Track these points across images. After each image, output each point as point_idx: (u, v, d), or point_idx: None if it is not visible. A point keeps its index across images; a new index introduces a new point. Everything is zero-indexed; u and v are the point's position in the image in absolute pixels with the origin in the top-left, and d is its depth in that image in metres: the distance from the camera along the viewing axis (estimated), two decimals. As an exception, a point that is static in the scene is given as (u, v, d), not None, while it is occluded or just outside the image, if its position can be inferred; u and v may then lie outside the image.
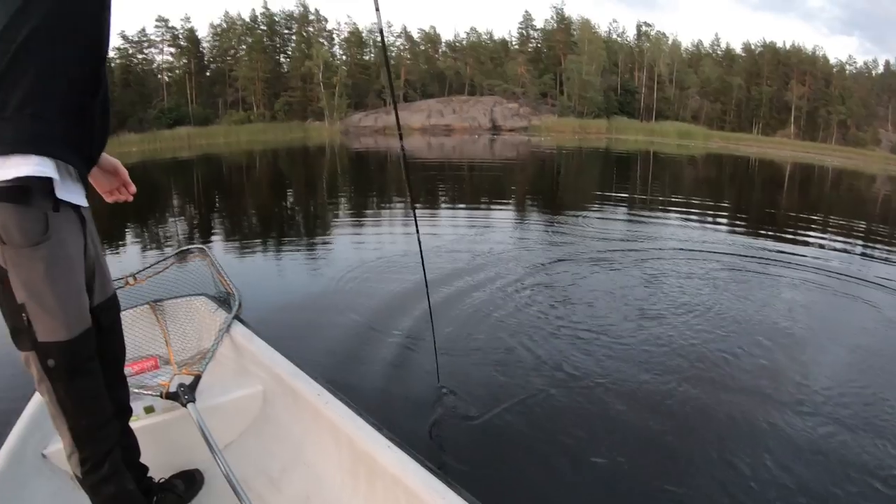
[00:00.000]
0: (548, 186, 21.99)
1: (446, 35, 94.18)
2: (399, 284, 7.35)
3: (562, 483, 3.79)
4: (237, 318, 3.74)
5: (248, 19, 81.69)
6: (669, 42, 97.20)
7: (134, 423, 2.53)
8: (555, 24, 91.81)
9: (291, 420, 3.13)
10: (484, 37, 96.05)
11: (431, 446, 4.03)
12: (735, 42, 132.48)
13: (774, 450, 4.18)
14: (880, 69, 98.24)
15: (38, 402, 2.81)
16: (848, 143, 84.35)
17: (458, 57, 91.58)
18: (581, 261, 9.30)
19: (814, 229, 14.60)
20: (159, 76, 78.15)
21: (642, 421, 4.47)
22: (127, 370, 2.49)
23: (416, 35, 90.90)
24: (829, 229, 14.93)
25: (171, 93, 76.48)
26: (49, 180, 1.74)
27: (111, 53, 50.36)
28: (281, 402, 3.22)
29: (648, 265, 9.19)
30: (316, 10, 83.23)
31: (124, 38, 70.47)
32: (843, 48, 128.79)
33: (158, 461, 2.75)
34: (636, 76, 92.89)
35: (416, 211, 5.02)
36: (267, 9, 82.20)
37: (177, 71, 79.62)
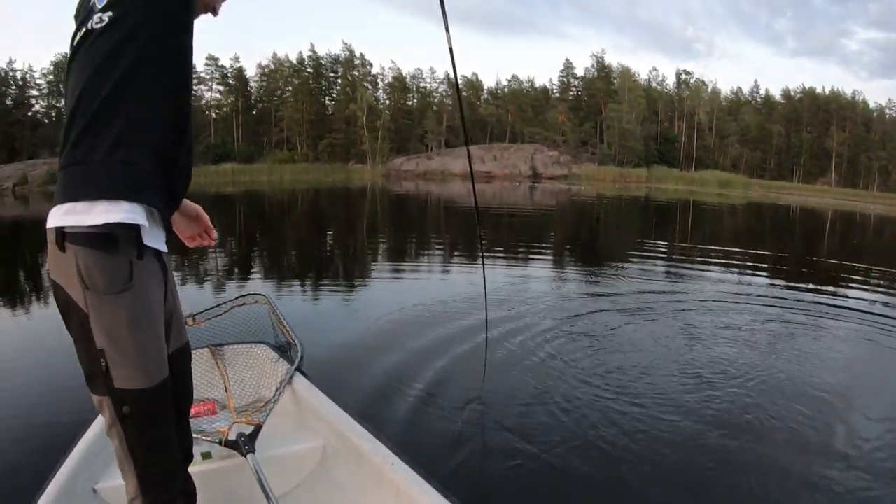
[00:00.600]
0: (587, 235, 22.04)
1: (488, 82, 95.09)
2: (456, 335, 7.10)
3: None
4: (299, 369, 3.73)
5: (295, 61, 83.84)
6: (709, 90, 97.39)
7: (191, 469, 2.46)
8: (595, 73, 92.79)
9: (351, 478, 3.05)
10: (525, 84, 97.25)
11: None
12: (774, 89, 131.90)
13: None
14: None
15: (90, 437, 2.85)
16: (890, 189, 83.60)
17: (499, 104, 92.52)
18: (618, 311, 9.26)
19: (857, 279, 14.42)
20: (207, 112, 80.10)
21: (682, 476, 4.51)
22: None
23: (459, 82, 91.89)
24: (873, 278, 14.77)
25: (218, 129, 78.36)
26: (137, 227, 1.75)
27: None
28: (341, 458, 3.15)
29: (688, 315, 9.14)
30: (361, 54, 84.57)
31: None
32: (883, 92, 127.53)
33: None
34: (676, 124, 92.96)
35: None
36: (314, 52, 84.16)
37: (224, 108, 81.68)
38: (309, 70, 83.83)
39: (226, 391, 3.62)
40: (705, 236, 24.42)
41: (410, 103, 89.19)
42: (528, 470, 4.22)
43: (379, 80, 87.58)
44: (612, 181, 70.58)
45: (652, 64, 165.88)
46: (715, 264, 15.15)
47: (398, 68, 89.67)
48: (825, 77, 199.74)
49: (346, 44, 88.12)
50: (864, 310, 10.33)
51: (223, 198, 33.21)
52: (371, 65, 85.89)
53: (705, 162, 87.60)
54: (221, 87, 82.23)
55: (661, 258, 15.88)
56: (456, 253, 14.74)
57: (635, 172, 76.31)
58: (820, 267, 16.83)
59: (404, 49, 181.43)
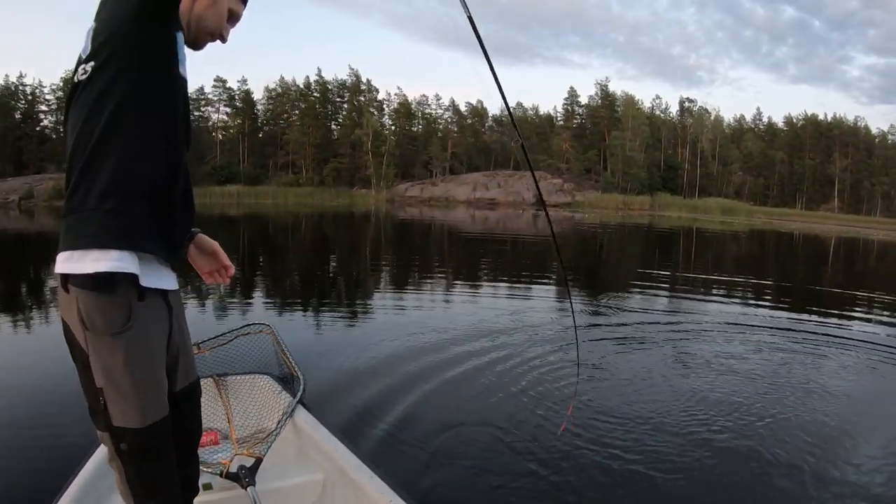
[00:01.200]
0: (589, 263, 22.11)
1: (493, 109, 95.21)
2: (462, 366, 7.12)
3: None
4: (301, 402, 3.75)
5: (302, 85, 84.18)
6: (712, 117, 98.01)
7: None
8: (599, 101, 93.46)
9: None
10: (530, 112, 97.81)
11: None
12: (776, 115, 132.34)
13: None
14: None
15: (97, 460, 2.88)
16: (893, 215, 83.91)
17: (503, 131, 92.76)
18: (613, 339, 9.39)
19: (860, 305, 14.52)
20: (214, 134, 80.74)
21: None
22: None
23: (463, 108, 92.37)
24: (877, 306, 14.85)
25: (224, 151, 78.81)
26: (130, 273, 1.78)
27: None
28: (341, 493, 3.13)
29: (688, 344, 9.19)
30: (368, 80, 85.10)
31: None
32: (883, 117, 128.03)
33: None
34: (679, 152, 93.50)
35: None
36: (321, 76, 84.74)
37: (231, 130, 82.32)
38: (316, 94, 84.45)
39: (228, 422, 3.64)
40: (708, 264, 24.46)
41: (415, 129, 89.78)
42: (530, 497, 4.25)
43: (385, 106, 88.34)
44: (615, 209, 70.82)
45: (655, 91, 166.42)
46: (718, 293, 15.23)
47: (404, 94, 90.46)
48: (826, 103, 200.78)
49: (352, 69, 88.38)
50: (869, 339, 10.42)
51: (228, 220, 33.39)
52: (377, 90, 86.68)
53: (708, 189, 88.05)
54: (228, 109, 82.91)
55: (663, 287, 15.92)
56: (459, 280, 14.80)
57: (638, 200, 76.68)
58: (823, 295, 16.88)
59: (411, 75, 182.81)
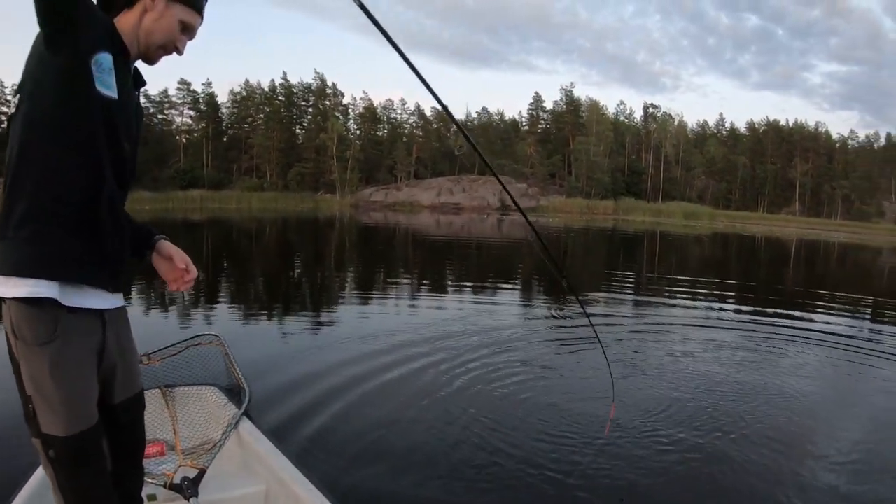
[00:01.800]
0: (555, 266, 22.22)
1: (458, 114, 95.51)
2: (410, 373, 7.08)
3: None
4: (246, 413, 3.77)
5: (267, 89, 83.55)
6: (675, 123, 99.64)
7: None
8: (564, 106, 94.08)
9: None
10: (495, 117, 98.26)
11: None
12: (739, 121, 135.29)
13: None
14: (882, 142, 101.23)
15: (37, 478, 2.85)
16: (852, 217, 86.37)
17: (469, 136, 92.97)
18: (576, 341, 9.52)
19: (821, 304, 14.84)
20: (177, 137, 79.84)
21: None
22: None
23: (428, 113, 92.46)
24: (837, 304, 15.16)
25: (188, 154, 78.01)
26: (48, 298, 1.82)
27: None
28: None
29: (651, 344, 9.40)
30: (333, 84, 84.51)
31: (147, 97, 71.95)
32: (844, 123, 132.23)
33: None
34: (643, 157, 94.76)
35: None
36: (286, 80, 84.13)
37: (195, 134, 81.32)
38: (281, 98, 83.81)
39: (174, 433, 3.62)
40: (672, 266, 24.82)
41: (381, 134, 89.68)
42: None
43: (350, 110, 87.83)
44: (579, 213, 71.40)
45: (620, 97, 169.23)
46: (681, 294, 15.44)
47: (369, 98, 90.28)
48: (788, 109, 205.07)
49: (318, 73, 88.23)
50: (830, 336, 10.73)
51: (191, 225, 32.98)
52: (342, 94, 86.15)
53: (672, 193, 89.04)
54: (192, 112, 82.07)
55: (628, 288, 16.14)
56: (421, 286, 14.83)
57: (603, 204, 77.35)
58: (785, 295, 17.23)
59: (377, 79, 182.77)
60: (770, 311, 13.43)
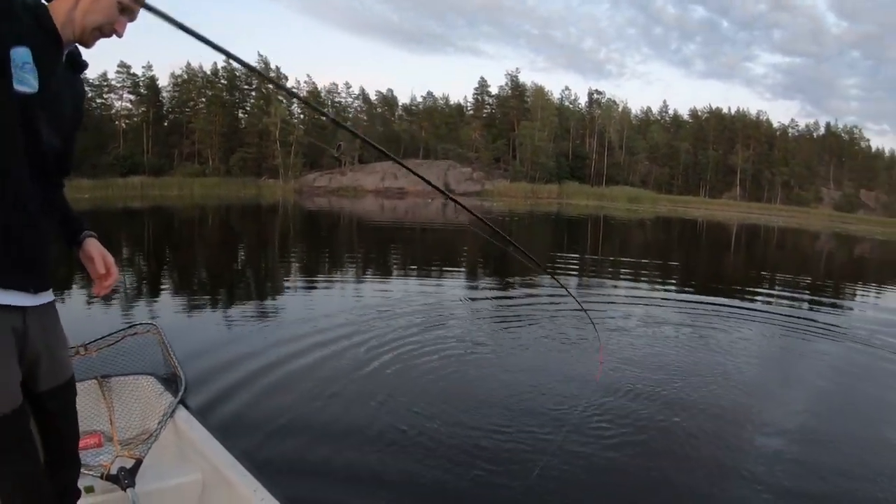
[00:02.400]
0: (498, 252, 22.51)
1: (403, 98, 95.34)
2: (343, 351, 7.30)
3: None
4: (182, 402, 3.74)
5: (209, 72, 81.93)
6: (620, 109, 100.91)
7: None
8: (509, 91, 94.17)
9: None
10: (440, 101, 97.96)
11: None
12: (682, 108, 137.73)
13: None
14: (821, 131, 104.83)
15: None
16: (791, 203, 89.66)
17: (413, 120, 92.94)
18: (517, 319, 9.77)
19: (762, 285, 15.41)
20: (117, 122, 77.70)
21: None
22: None
23: (373, 97, 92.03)
24: (777, 284, 15.76)
25: (127, 140, 75.97)
26: None
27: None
28: (218, 493, 3.14)
29: (601, 321, 9.70)
30: (277, 67, 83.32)
31: (85, 80, 70.09)
32: (785, 112, 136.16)
33: None
34: (587, 142, 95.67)
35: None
36: (229, 63, 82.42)
37: (135, 118, 79.14)
38: (223, 81, 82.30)
39: (111, 424, 3.59)
40: (616, 249, 25.31)
41: (324, 118, 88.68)
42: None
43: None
44: (524, 197, 71.97)
45: (565, 83, 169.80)
46: (624, 275, 15.84)
47: (313, 82, 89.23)
48: (731, 97, 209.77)
49: (261, 56, 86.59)
50: (770, 311, 11.30)
51: (130, 213, 32.41)
52: (286, 78, 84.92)
53: (615, 178, 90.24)
54: (132, 97, 79.99)
55: (572, 269, 16.44)
56: (362, 272, 14.92)
57: (547, 188, 78.12)
58: (726, 275, 17.80)
59: (321, 62, 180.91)
60: (712, 290, 13.99)
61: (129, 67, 78.70)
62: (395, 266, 16.15)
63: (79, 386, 3.35)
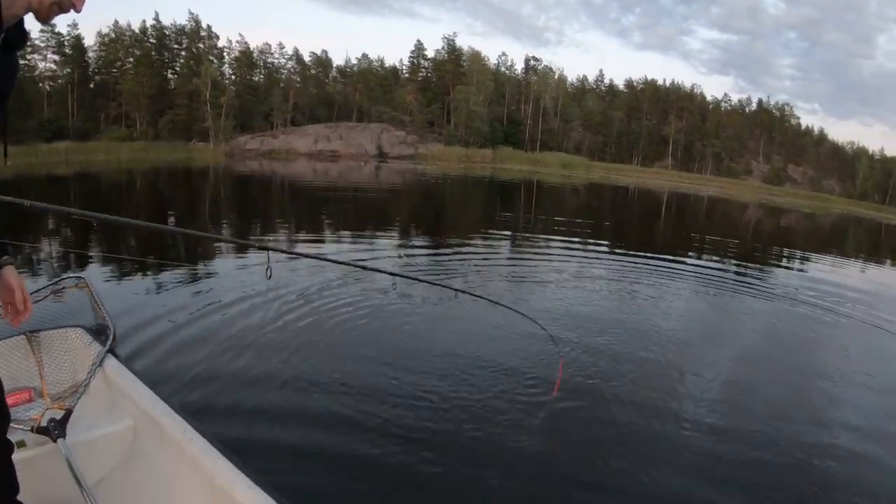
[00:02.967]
0: (432, 213, 22.79)
1: (338, 59, 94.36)
2: (260, 314, 7.83)
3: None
4: (111, 351, 3.69)
5: (137, 31, 79.45)
6: (556, 76, 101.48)
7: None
8: (445, 55, 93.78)
9: (159, 457, 3.07)
10: (375, 63, 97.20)
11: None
12: (618, 78, 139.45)
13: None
14: (753, 106, 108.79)
15: None
16: (722, 174, 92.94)
17: (347, 82, 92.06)
18: (453, 279, 10.15)
19: (691, 247, 16.15)
20: (40, 85, 74.95)
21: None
22: None
23: (307, 58, 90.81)
24: (706, 247, 16.48)
25: (52, 104, 73.42)
26: None
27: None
28: (150, 438, 3.17)
29: (534, 276, 10.11)
30: (208, 26, 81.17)
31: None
32: (719, 86, 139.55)
33: (30, 498, 2.73)
34: (522, 108, 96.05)
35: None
36: (158, 21, 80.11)
37: (59, 81, 76.38)
38: (152, 41, 79.80)
39: (41, 378, 3.58)
40: (549, 212, 25.85)
41: (257, 79, 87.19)
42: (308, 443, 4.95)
43: (225, 54, 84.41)
44: (457, 161, 72.28)
45: (503, 49, 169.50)
46: (558, 235, 16.30)
47: (245, 42, 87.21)
48: (667, 70, 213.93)
49: (192, 14, 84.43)
50: (699, 272, 12.03)
51: (56, 180, 31.47)
52: (217, 37, 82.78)
53: (549, 144, 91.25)
54: (57, 57, 77.03)
55: (504, 232, 16.84)
56: (293, 235, 15.06)
57: (481, 153, 78.45)
58: (657, 237, 18.47)
59: (254, 22, 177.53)
60: (643, 250, 14.58)
61: (53, 26, 75.81)
62: (325, 227, 16.33)
63: (7, 343, 3.65)
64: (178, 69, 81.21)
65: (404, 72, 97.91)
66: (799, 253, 19.53)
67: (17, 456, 2.69)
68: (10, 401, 2.86)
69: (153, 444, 3.14)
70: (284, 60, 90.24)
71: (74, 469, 2.68)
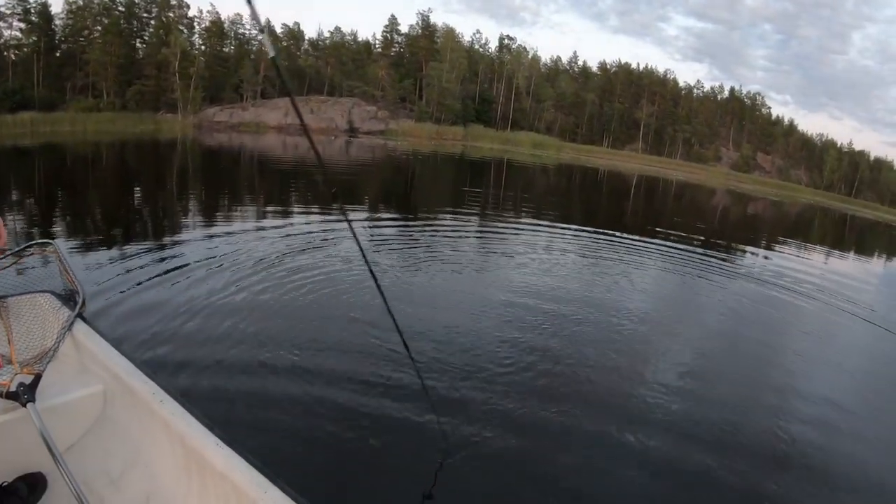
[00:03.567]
0: (402, 189, 22.87)
1: (310, 32, 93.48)
2: (230, 283, 8.13)
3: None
4: (80, 315, 3.70)
5: (107, -2, 78.03)
6: (530, 56, 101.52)
7: None
8: (419, 31, 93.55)
9: (130, 420, 3.14)
10: (348, 37, 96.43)
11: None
12: (592, 61, 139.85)
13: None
14: (725, 95, 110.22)
15: None
16: (691, 159, 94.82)
17: (319, 56, 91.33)
18: (426, 259, 10.29)
19: (658, 226, 16.38)
20: (5, 54, 73.35)
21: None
22: None
23: (279, 30, 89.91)
24: (676, 227, 16.75)
25: (17, 73, 72.05)
26: None
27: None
28: (120, 401, 3.22)
29: (497, 260, 10.30)
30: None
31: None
32: (692, 73, 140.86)
33: (1, 464, 2.82)
34: (495, 87, 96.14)
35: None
36: (127, -13, 78.69)
37: (24, 49, 74.80)
38: (121, 9, 78.19)
39: (9, 344, 3.49)
40: (519, 189, 26.04)
41: (227, 50, 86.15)
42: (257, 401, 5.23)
43: (195, 24, 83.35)
44: (428, 138, 72.27)
45: (478, 27, 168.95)
46: (527, 211, 16.48)
47: (217, 12, 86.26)
48: (641, 55, 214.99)
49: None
50: (667, 251, 12.30)
51: (20, 152, 30.98)
52: (188, 6, 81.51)
53: (521, 124, 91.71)
54: (22, 25, 75.38)
55: (474, 209, 16.95)
56: (263, 211, 15.13)
57: (452, 130, 78.56)
58: (626, 217, 18.75)
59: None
60: (612, 228, 14.81)
61: (19, -9, 74.34)
62: (291, 201, 16.39)
63: None
64: (146, 39, 79.72)
65: (377, 47, 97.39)
66: (766, 237, 19.97)
67: (-15, 422, 2.80)
68: None
69: (124, 408, 3.21)
70: (256, 32, 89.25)
71: (44, 434, 2.66)
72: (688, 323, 8.33)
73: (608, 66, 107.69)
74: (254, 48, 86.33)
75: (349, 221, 4.28)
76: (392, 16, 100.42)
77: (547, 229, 14.40)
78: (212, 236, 11.18)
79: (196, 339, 6.16)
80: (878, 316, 11.17)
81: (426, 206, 15.62)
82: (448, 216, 14.96)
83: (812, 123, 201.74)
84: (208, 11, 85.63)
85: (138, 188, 19.46)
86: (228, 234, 11.12)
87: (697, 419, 5.60)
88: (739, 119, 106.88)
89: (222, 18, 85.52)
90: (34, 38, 73.64)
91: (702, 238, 16.75)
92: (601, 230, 15.01)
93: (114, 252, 9.50)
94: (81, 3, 77.02)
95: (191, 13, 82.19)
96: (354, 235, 4.16)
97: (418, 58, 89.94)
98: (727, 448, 5.23)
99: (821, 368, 7.49)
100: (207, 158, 34.33)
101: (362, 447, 4.70)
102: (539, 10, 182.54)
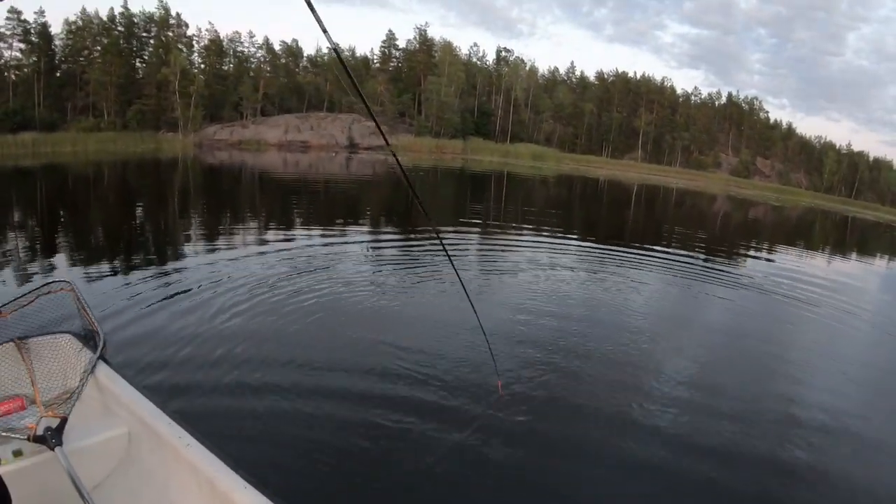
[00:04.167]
0: (402, 204, 22.98)
1: (308, 49, 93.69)
2: (246, 313, 8.00)
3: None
4: (102, 357, 3.72)
5: (105, 18, 78.13)
6: (527, 68, 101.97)
7: (2, 468, 2.55)
8: (417, 45, 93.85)
9: (156, 462, 3.12)
10: (346, 53, 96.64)
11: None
12: (589, 70, 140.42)
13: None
14: (723, 100, 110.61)
15: None
16: (691, 166, 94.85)
17: (318, 72, 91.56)
18: (425, 275, 10.37)
19: (661, 237, 16.52)
20: (6, 74, 73.51)
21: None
22: None
23: (277, 47, 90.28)
24: (676, 237, 16.85)
25: (17, 93, 72.18)
26: None
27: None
28: (145, 443, 3.22)
29: (504, 264, 10.39)
30: (177, 13, 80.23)
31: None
32: (689, 80, 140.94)
33: None
34: (493, 99, 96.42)
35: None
36: (126, 9, 78.71)
37: (25, 70, 75.00)
38: (120, 28, 78.56)
39: (33, 385, 3.53)
40: (520, 202, 26.18)
41: (226, 68, 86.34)
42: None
43: (194, 43, 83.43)
44: (428, 152, 72.36)
45: (475, 40, 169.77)
46: (529, 224, 16.57)
47: (215, 30, 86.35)
48: (638, 63, 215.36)
49: (161, 1, 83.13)
50: (670, 261, 12.38)
51: (22, 173, 31.12)
52: (187, 25, 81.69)
53: (520, 136, 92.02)
54: (23, 46, 75.49)
55: (476, 220, 17.04)
56: (265, 227, 15.21)
57: (451, 144, 78.74)
58: (627, 227, 18.88)
59: (224, 10, 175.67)
60: (612, 240, 14.96)
61: (19, 13, 74.33)
62: (294, 219, 16.47)
63: None
64: (146, 58, 79.92)
65: (375, 62, 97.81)
66: (767, 244, 20.08)
67: (14, 465, 2.83)
68: (3, 409, 2.98)
69: (149, 450, 3.20)
70: (255, 49, 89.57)
71: (74, 477, 2.69)
72: (692, 333, 8.42)
73: (605, 76, 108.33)
74: (253, 66, 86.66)
75: (441, 241, 4.39)
76: (390, 31, 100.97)
77: (546, 242, 14.49)
78: (215, 257, 11.18)
79: (212, 365, 6.11)
80: (883, 321, 11.25)
81: (424, 224, 15.73)
82: (450, 231, 15.02)
83: (810, 126, 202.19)
84: (207, 30, 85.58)
85: (146, 213, 19.43)
86: (231, 254, 11.12)
87: (704, 430, 5.65)
88: (738, 124, 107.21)
89: (221, 36, 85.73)
90: (34, 59, 73.73)
91: (703, 246, 16.86)
92: (601, 242, 15.12)
93: (118, 279, 9.38)
94: (81, 23, 77.30)
95: (189, 32, 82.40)
96: (446, 252, 4.32)
97: (416, 72, 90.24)
98: (734, 459, 5.23)
99: (826, 377, 7.50)
100: (209, 177, 34.36)
101: (394, 486, 4.65)
102: (535, 22, 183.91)
